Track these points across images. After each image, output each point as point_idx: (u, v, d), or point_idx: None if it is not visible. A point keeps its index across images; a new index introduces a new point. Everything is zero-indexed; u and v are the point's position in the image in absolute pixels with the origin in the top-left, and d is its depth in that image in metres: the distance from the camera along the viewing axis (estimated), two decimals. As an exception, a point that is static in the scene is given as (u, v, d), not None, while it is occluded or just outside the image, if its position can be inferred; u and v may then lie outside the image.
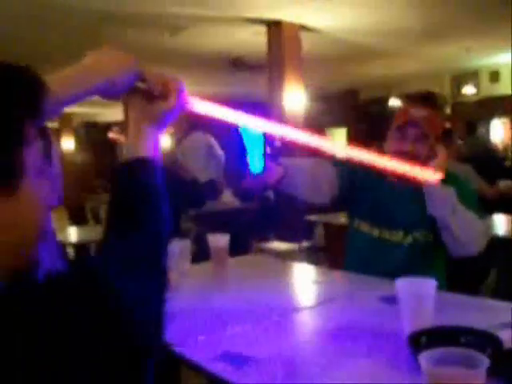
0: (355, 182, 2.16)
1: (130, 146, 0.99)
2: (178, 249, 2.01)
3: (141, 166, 0.96)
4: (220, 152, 5.01)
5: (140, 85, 1.03)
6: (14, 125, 0.70)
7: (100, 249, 0.89)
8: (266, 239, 5.96)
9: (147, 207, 0.92)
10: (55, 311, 0.67)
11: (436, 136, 2.06)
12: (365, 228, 2.15)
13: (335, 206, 2.27)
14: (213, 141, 4.86)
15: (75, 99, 0.97)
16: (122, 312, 0.73)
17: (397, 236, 2.09)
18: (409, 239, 2.08)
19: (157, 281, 0.89)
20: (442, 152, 2.02)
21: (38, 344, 0.63)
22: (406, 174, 1.70)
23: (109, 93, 1.01)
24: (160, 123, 1.03)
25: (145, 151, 0.98)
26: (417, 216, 2.06)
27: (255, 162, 1.73)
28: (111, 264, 0.82)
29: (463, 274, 2.25)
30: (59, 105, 0.93)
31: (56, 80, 0.92)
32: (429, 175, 1.87)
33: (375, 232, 2.12)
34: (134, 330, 0.75)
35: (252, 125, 1.25)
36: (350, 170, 2.12)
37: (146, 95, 1.03)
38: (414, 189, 2.02)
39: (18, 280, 0.74)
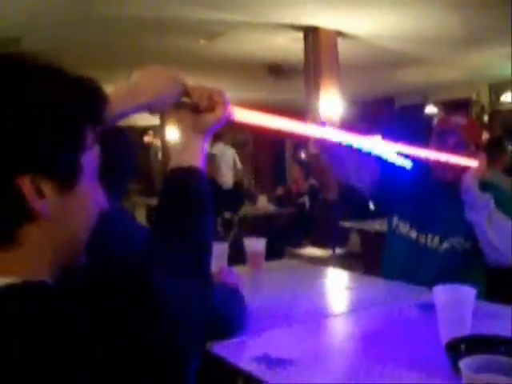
0: (397, 181, 2.18)
1: (179, 155, 1.03)
2: (216, 251, 2.03)
3: (190, 175, 1.00)
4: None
5: (185, 100, 1.06)
6: (77, 130, 0.74)
7: (146, 254, 0.91)
8: (300, 245, 5.96)
9: (195, 215, 0.96)
10: (106, 310, 0.69)
11: (476, 144, 2.06)
12: (403, 229, 2.16)
13: (373, 199, 2.32)
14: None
15: (121, 116, 1.04)
16: (167, 316, 0.75)
17: (433, 242, 2.08)
18: (445, 246, 2.07)
19: (200, 287, 0.90)
20: (480, 159, 2.01)
21: (89, 341, 0.65)
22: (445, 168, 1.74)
23: (155, 109, 1.06)
24: (206, 133, 1.08)
25: (193, 161, 1.02)
26: (454, 223, 2.05)
27: None
28: (156, 269, 0.84)
29: (503, 284, 2.21)
30: (107, 122, 0.97)
31: None
32: (468, 179, 1.91)
33: (413, 235, 2.13)
34: (177, 335, 0.76)
35: (293, 130, 1.27)
36: (394, 169, 2.16)
37: (192, 109, 1.07)
38: (454, 195, 2.02)
39: (66, 277, 0.77)
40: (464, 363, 0.88)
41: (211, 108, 1.07)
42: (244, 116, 1.18)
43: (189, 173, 1.01)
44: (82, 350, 0.64)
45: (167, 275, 0.84)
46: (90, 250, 0.86)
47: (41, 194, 0.70)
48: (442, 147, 2.03)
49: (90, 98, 0.77)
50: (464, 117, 2.11)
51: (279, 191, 7.87)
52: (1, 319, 0.65)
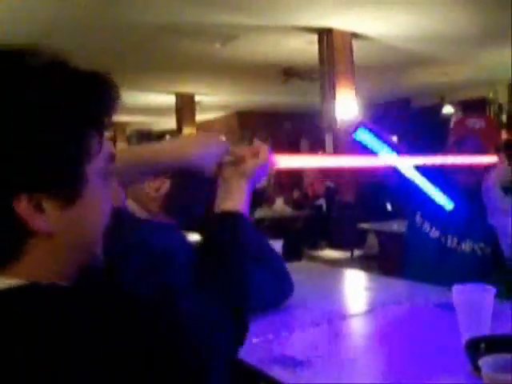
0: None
1: (222, 200, 1.03)
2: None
3: (231, 221, 1.00)
4: None
5: (227, 159, 1.09)
6: (78, 143, 0.71)
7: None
8: (318, 247, 5.94)
9: (232, 264, 0.95)
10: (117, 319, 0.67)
11: (496, 146, 2.03)
12: (427, 227, 2.14)
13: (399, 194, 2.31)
14: None
15: (166, 169, 1.17)
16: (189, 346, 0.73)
17: (453, 242, 2.07)
18: (463, 247, 2.05)
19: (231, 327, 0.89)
20: (501, 161, 1.98)
21: (93, 344, 0.64)
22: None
23: (198, 167, 1.10)
24: (250, 180, 1.07)
25: (236, 206, 1.02)
26: (474, 226, 2.03)
27: None
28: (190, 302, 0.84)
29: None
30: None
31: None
32: (489, 182, 1.89)
33: (435, 234, 2.11)
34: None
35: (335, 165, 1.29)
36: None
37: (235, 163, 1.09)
38: (474, 199, 2.00)
39: (83, 282, 0.77)
40: (484, 362, 0.88)
41: (254, 155, 1.09)
42: (288, 162, 1.21)
43: (228, 219, 1.00)
44: (84, 352, 0.62)
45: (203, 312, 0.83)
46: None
47: (41, 210, 0.68)
48: (461, 153, 2.00)
49: (95, 100, 0.73)
50: (481, 119, 2.06)
51: (296, 194, 7.86)
52: (4, 319, 0.64)
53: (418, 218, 2.20)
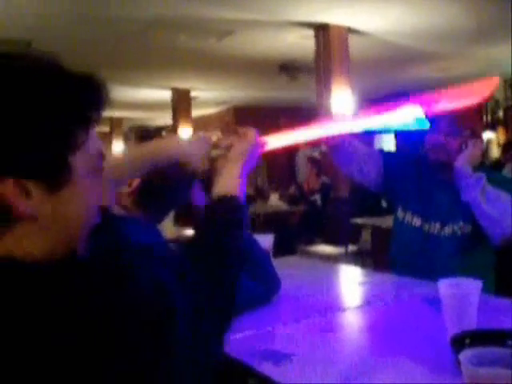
0: (398, 171, 2.21)
1: (216, 188, 1.04)
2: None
3: (226, 203, 1.01)
4: None
5: (214, 153, 1.14)
6: (64, 131, 0.75)
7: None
8: (312, 242, 5.94)
9: (229, 246, 0.96)
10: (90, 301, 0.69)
11: (472, 129, 2.07)
12: (408, 218, 2.17)
13: (379, 192, 2.37)
14: None
15: (155, 168, 1.25)
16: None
17: (435, 228, 2.10)
18: (446, 231, 2.08)
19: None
20: (473, 145, 2.05)
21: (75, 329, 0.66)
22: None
23: (186, 162, 1.19)
24: (242, 163, 1.09)
25: (229, 189, 1.03)
26: (452, 208, 2.07)
27: None
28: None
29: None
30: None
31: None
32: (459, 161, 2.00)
33: (417, 223, 2.14)
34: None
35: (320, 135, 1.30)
36: (394, 160, 2.23)
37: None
38: (450, 181, 2.06)
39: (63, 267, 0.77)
40: (464, 356, 0.87)
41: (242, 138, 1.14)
42: (276, 141, 1.25)
43: (225, 202, 1.02)
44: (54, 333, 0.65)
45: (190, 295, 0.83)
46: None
47: (28, 195, 0.71)
48: (435, 132, 2.05)
49: (82, 97, 0.77)
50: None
51: (291, 190, 7.87)
52: None
53: (399, 211, 2.23)
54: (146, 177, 1.51)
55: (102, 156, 0.82)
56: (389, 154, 2.33)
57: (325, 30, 6.45)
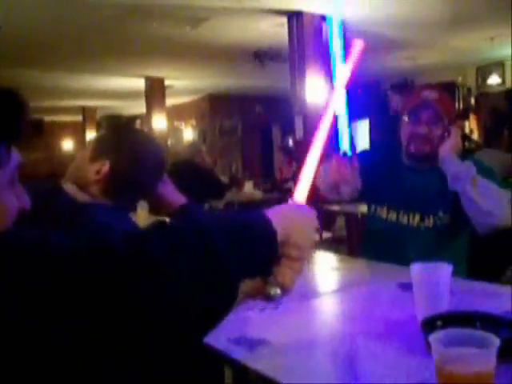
0: (374, 172, 2.18)
1: None
2: None
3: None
4: None
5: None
6: None
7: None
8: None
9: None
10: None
11: (449, 118, 2.08)
12: (382, 213, 2.17)
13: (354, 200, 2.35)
14: None
15: None
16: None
17: (414, 219, 2.10)
18: (426, 223, 2.08)
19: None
20: (455, 133, 2.06)
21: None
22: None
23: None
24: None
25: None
26: (432, 199, 2.07)
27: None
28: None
29: (487, 258, 2.24)
30: None
31: None
32: (444, 151, 1.98)
33: (392, 216, 2.13)
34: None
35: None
36: (370, 162, 2.18)
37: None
38: (430, 171, 2.04)
39: None
40: (433, 338, 0.88)
41: None
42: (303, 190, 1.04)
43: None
44: None
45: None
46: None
47: None
48: (416, 123, 2.07)
49: (3, 114, 0.80)
50: (435, 90, 2.11)
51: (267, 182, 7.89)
52: None
53: (372, 208, 2.24)
54: (117, 166, 1.49)
55: (20, 167, 0.86)
56: (364, 156, 2.22)
57: (298, 17, 6.43)
